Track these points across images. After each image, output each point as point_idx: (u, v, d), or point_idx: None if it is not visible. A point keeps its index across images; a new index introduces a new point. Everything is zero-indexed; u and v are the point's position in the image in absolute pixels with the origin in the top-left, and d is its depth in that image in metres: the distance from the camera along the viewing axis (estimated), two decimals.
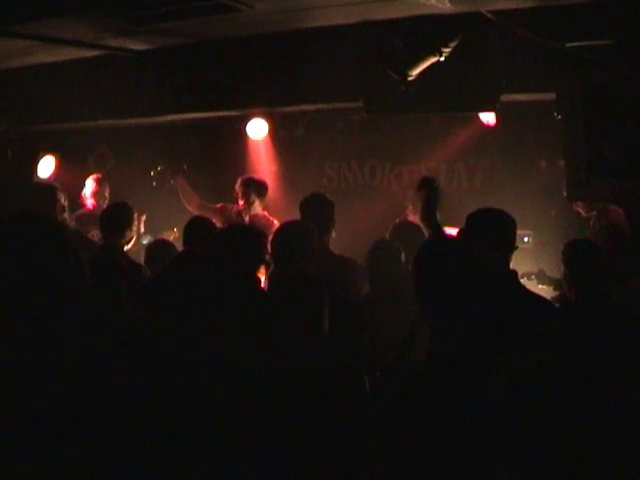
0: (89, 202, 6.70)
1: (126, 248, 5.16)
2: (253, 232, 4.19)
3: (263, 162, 7.52)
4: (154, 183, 6.55)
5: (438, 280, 2.48)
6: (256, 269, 3.83)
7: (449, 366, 2.37)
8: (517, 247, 3.48)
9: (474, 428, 1.99)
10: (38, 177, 7.45)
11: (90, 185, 6.78)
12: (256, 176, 6.53)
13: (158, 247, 4.95)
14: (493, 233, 3.34)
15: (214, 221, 6.12)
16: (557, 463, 1.69)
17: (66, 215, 5.80)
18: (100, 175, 6.95)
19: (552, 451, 1.76)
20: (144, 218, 6.00)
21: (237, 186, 6.22)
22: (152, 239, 5.92)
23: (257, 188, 6.19)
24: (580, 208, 5.73)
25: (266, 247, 3.93)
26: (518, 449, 1.69)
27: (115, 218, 5.10)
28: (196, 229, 4.70)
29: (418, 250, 2.56)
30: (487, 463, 1.78)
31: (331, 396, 2.69)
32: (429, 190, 3.77)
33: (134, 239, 5.37)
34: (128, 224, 5.11)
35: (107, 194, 6.76)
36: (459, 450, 2.28)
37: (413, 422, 2.37)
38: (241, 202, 6.12)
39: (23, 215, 2.20)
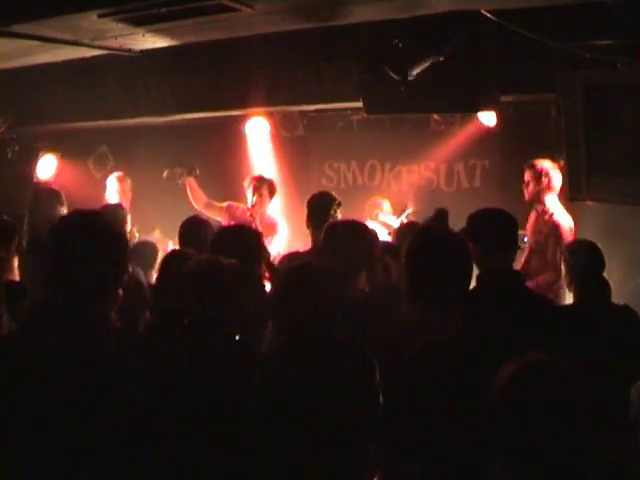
0: (113, 200, 6.75)
1: None
2: (251, 231, 4.22)
3: (263, 162, 7.52)
4: (164, 174, 6.50)
5: (431, 267, 2.52)
6: (255, 268, 3.84)
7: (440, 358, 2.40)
8: (519, 247, 3.48)
9: (468, 424, 2.00)
10: (38, 177, 7.46)
11: (113, 183, 6.84)
12: (266, 176, 6.52)
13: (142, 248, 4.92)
14: (496, 233, 3.34)
15: (220, 219, 6.15)
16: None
17: None
18: (121, 173, 6.99)
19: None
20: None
21: (248, 182, 6.18)
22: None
23: (269, 186, 6.18)
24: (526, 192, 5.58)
25: (264, 245, 3.93)
26: (513, 449, 1.69)
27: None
28: (192, 228, 4.70)
29: (413, 238, 2.61)
30: (482, 461, 1.79)
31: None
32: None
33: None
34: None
35: (129, 191, 6.84)
36: (453, 446, 2.29)
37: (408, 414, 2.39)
38: (253, 199, 6.07)
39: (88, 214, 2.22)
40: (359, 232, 3.64)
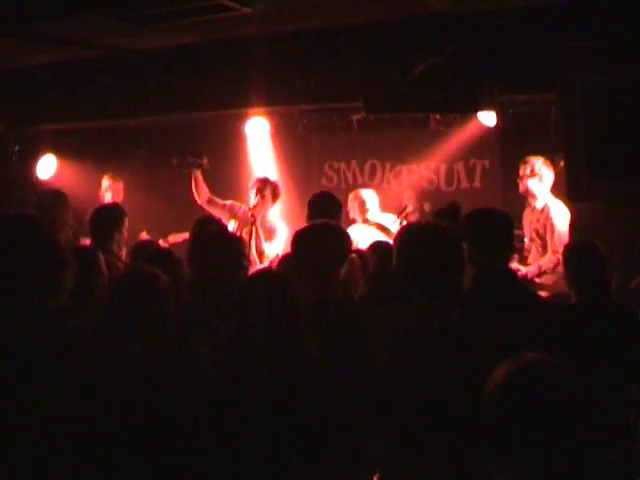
0: (107, 199, 6.77)
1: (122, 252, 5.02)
2: (233, 238, 4.21)
3: (263, 162, 7.52)
4: (174, 160, 6.46)
5: (417, 259, 2.54)
6: (236, 274, 3.83)
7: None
8: (516, 247, 3.50)
9: (466, 424, 2.00)
10: (38, 177, 7.46)
11: (106, 182, 6.93)
12: (271, 178, 6.49)
13: (142, 248, 4.88)
14: (492, 233, 3.35)
15: (220, 217, 6.13)
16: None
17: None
18: (114, 174, 7.04)
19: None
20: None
21: (252, 183, 6.15)
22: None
23: (273, 189, 6.14)
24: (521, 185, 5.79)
25: (245, 253, 3.90)
26: (509, 449, 1.70)
27: (104, 219, 4.96)
28: (205, 228, 4.70)
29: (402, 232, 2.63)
30: (479, 460, 1.79)
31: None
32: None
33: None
34: (117, 226, 4.86)
35: (122, 192, 6.93)
36: (451, 444, 2.30)
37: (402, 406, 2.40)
38: (255, 199, 6.04)
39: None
40: (328, 232, 3.58)
